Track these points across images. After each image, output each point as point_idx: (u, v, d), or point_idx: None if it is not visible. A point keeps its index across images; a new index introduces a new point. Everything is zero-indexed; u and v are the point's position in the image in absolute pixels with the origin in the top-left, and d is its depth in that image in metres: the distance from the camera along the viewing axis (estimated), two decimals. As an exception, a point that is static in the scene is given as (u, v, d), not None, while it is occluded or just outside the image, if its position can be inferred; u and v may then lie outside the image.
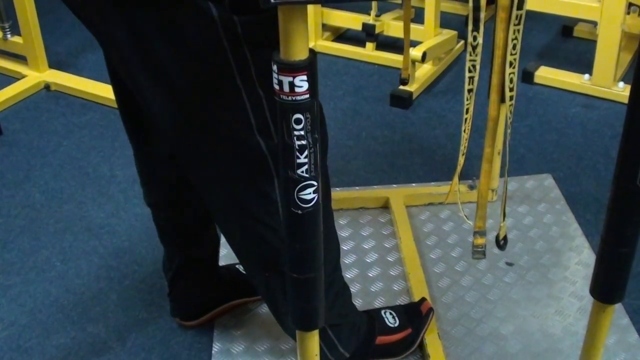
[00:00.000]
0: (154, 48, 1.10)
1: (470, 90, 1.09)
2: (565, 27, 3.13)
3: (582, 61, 2.79)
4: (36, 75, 2.83)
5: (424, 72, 2.73)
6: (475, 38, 1.04)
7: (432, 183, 2.16)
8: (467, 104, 1.09)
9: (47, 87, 2.80)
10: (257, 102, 1.16)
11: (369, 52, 2.95)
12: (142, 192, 1.56)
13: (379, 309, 1.64)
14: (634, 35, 2.73)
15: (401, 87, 2.59)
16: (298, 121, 0.89)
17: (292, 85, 0.87)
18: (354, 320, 1.53)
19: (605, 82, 2.58)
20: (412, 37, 1.95)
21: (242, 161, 1.23)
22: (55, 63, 2.93)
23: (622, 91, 2.55)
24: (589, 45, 2.81)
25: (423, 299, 1.67)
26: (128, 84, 1.24)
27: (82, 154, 2.41)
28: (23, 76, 2.83)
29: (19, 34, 2.83)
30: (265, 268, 1.35)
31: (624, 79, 2.63)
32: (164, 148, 1.45)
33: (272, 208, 1.26)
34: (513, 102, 1.08)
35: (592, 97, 2.62)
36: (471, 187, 2.05)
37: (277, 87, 0.88)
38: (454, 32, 2.83)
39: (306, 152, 0.92)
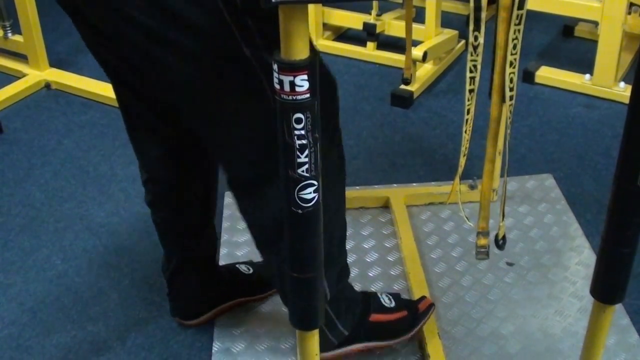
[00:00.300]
0: (157, 29, 1.09)
1: (471, 91, 1.08)
2: (566, 27, 3.12)
3: (583, 61, 2.78)
4: (37, 74, 2.83)
5: (425, 72, 2.73)
6: (476, 38, 1.03)
7: (433, 183, 2.16)
8: (468, 104, 1.09)
9: (47, 85, 2.80)
10: (268, 69, 1.16)
11: (369, 52, 2.95)
12: (144, 191, 1.56)
13: (376, 292, 1.63)
14: (635, 35, 2.73)
15: (402, 86, 2.59)
16: (298, 121, 0.89)
17: (292, 84, 0.87)
18: (350, 295, 1.52)
19: (606, 82, 2.58)
20: (413, 36, 1.94)
21: (258, 128, 1.22)
22: (56, 62, 2.93)
23: (623, 91, 2.55)
24: (590, 45, 2.81)
25: (423, 297, 1.66)
26: (135, 79, 1.23)
27: (83, 153, 2.40)
28: (24, 75, 2.83)
29: (19, 33, 2.83)
30: (277, 238, 1.32)
31: (625, 79, 2.62)
32: (163, 146, 1.45)
33: None
34: (513, 102, 1.08)
35: (593, 97, 2.62)
36: (472, 187, 2.05)
37: (277, 86, 0.88)
38: (454, 32, 2.83)
39: (306, 152, 0.92)
